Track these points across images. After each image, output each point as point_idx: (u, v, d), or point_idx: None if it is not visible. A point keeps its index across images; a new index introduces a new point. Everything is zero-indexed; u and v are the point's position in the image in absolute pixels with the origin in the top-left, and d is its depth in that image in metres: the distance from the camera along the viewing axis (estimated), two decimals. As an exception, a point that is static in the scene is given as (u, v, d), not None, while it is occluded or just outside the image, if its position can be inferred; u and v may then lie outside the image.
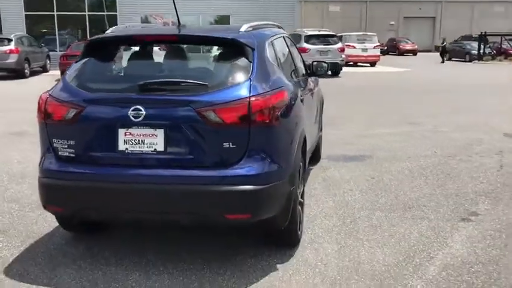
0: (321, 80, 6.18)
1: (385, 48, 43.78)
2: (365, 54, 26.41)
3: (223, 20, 26.30)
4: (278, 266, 3.45)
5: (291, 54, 4.60)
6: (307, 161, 4.23)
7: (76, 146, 3.21)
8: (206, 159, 3.10)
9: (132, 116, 3.08)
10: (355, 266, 3.46)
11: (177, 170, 3.09)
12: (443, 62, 30.87)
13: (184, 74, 3.42)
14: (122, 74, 3.49)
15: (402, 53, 42.16)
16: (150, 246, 3.77)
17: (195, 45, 3.62)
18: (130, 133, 3.13)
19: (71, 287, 3.18)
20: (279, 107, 3.26)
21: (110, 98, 3.20)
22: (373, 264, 3.48)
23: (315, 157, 6.15)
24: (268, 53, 3.62)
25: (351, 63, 26.29)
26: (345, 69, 22.27)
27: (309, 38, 20.06)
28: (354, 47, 26.10)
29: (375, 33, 28.67)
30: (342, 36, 27.99)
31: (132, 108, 3.08)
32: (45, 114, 3.29)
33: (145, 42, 3.69)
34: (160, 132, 3.11)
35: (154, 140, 3.12)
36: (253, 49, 3.40)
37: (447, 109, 11.09)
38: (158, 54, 3.76)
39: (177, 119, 3.09)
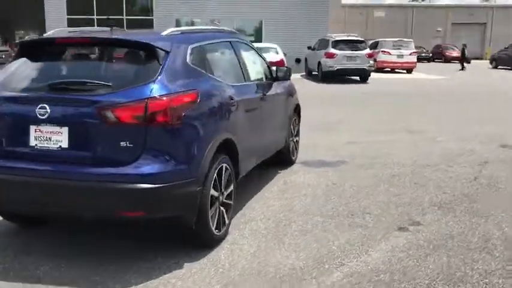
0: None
1: (430, 55, 42.71)
2: (400, 60, 25.82)
3: (256, 24, 26.53)
4: (185, 264, 3.53)
5: (238, 59, 4.66)
6: (241, 165, 4.27)
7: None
8: (105, 157, 3.23)
9: (39, 114, 3.26)
10: (260, 268, 3.49)
11: (77, 167, 3.24)
12: (462, 69, 29.73)
13: (93, 75, 3.56)
14: (38, 74, 3.68)
15: (448, 60, 40.94)
16: (70, 240, 3.94)
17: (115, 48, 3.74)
18: (40, 130, 3.31)
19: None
20: (183, 108, 3.35)
21: (21, 96, 3.40)
22: (280, 267, 3.50)
23: (284, 161, 6.17)
24: (190, 56, 3.71)
25: (387, 69, 25.84)
26: (378, 75, 21.94)
27: (336, 44, 19.88)
28: (389, 53, 25.63)
29: (411, 40, 28.03)
30: (378, 42, 27.63)
31: (39, 106, 3.26)
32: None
33: (64, 45, 3.86)
34: (65, 130, 3.27)
35: (59, 138, 3.28)
36: (167, 52, 3.51)
37: (462, 119, 10.72)
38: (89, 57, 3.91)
39: (79, 117, 3.24)
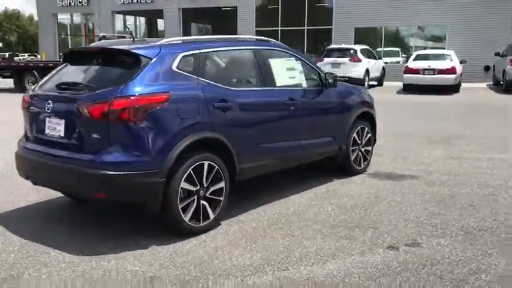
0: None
1: None
2: None
3: (438, 30, 24.92)
4: (152, 247, 3.96)
5: (259, 66, 4.86)
6: (241, 165, 4.49)
7: (28, 129, 4.40)
8: (83, 146, 3.90)
9: (46, 109, 4.10)
10: (206, 260, 3.71)
11: (66, 152, 3.98)
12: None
13: (86, 78, 4.23)
14: (57, 77, 4.48)
15: None
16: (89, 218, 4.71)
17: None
18: (50, 121, 4.15)
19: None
20: (148, 108, 3.80)
21: (39, 94, 4.29)
22: (225, 263, 3.67)
23: (344, 170, 6.10)
24: (178, 62, 4.14)
25: None
26: None
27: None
28: None
29: None
30: None
31: (47, 102, 4.10)
32: (22, 105, 4.57)
33: (77, 54, 4.72)
34: (62, 122, 4.04)
35: (60, 128, 4.06)
36: (150, 59, 4.01)
37: None
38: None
39: (68, 112, 3.98)
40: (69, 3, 32.17)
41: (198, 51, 4.37)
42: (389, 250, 3.91)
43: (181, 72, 4.16)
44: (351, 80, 19.00)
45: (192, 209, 4.13)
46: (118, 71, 4.12)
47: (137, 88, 3.85)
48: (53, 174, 4.10)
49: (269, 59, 5.04)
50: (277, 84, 5.02)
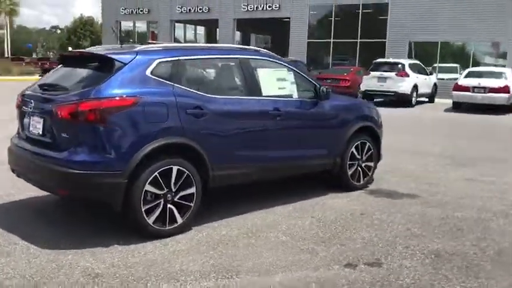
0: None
1: None
2: None
3: (501, 47, 23.82)
4: (115, 245, 4.08)
5: (244, 75, 4.90)
6: (215, 172, 4.53)
7: (19, 126, 4.68)
8: (55, 144, 4.11)
9: (29, 108, 4.35)
10: (148, 264, 3.76)
11: (42, 149, 4.20)
12: None
13: (65, 80, 4.43)
14: (45, 79, 4.74)
15: None
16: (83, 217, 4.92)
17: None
18: (33, 120, 4.40)
19: None
20: (113, 111, 3.94)
21: (27, 94, 4.55)
22: (164, 267, 3.73)
23: (341, 185, 5.98)
24: (153, 68, 4.26)
25: None
26: None
27: None
28: None
29: None
30: None
31: (31, 101, 4.36)
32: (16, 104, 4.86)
33: (66, 58, 4.96)
34: (41, 121, 4.26)
35: (39, 126, 4.30)
36: (124, 64, 4.16)
37: None
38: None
39: (45, 112, 4.20)
40: (132, 11, 33.63)
41: (176, 58, 4.47)
42: (346, 267, 3.81)
43: (155, 77, 4.27)
44: (396, 95, 18.61)
45: (158, 212, 4.21)
46: (94, 74, 4.30)
47: (105, 91, 4.00)
48: (30, 169, 4.34)
49: (257, 69, 5.06)
50: (263, 94, 5.03)
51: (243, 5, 29.44)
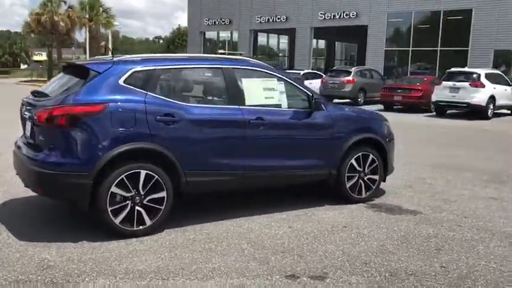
0: None
1: None
2: None
3: None
4: (83, 241, 4.38)
5: (226, 84, 5.01)
6: (188, 179, 4.68)
7: (22, 129, 5.19)
8: (36, 146, 4.52)
9: (24, 112, 4.83)
10: (99, 261, 4.01)
11: (28, 151, 4.64)
12: None
13: (51, 87, 4.82)
14: (44, 86, 5.19)
15: None
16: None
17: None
18: (27, 124, 4.86)
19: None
20: (82, 116, 4.26)
21: (25, 100, 5.02)
22: (113, 266, 3.94)
23: (339, 197, 5.87)
24: (126, 77, 4.53)
25: None
26: None
27: None
28: None
29: None
30: None
31: (25, 106, 4.83)
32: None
33: (63, 68, 5.33)
34: (30, 125, 4.70)
35: (29, 129, 4.74)
36: (99, 73, 4.48)
37: None
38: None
39: (30, 116, 4.63)
40: (214, 22, 34.89)
41: (152, 68, 4.71)
42: (287, 279, 3.78)
43: (127, 86, 4.53)
44: (469, 106, 17.52)
45: (124, 213, 4.46)
46: (74, 82, 4.66)
47: (78, 98, 4.34)
48: (21, 170, 4.79)
49: (241, 78, 5.15)
50: (246, 103, 5.10)
51: (320, 13, 29.39)
